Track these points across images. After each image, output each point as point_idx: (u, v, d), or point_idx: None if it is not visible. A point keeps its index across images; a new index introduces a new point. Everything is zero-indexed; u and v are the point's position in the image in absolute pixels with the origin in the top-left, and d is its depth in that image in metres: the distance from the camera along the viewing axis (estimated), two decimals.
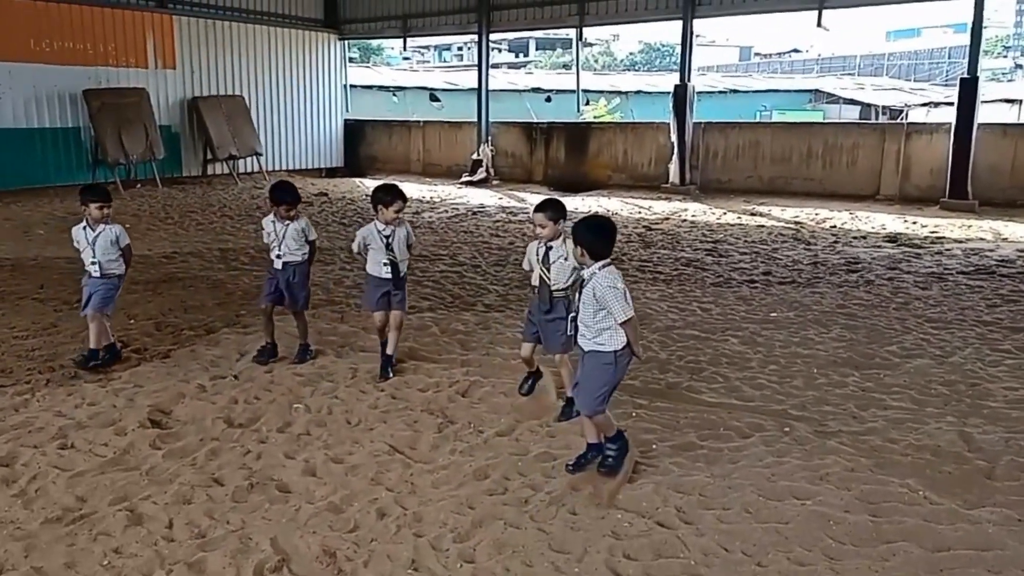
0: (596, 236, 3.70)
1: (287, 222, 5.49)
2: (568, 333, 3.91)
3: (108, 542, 3.28)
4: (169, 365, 5.56)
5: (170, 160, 17.85)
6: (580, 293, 3.75)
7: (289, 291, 5.56)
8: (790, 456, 4.12)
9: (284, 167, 20.70)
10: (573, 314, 3.83)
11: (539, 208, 4.44)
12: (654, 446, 4.25)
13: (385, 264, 5.22)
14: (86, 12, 16.37)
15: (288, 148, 20.92)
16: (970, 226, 12.15)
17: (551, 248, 4.38)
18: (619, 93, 33.55)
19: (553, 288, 4.40)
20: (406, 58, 56.68)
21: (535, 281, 4.50)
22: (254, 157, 19.12)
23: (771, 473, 3.92)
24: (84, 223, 5.46)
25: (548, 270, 4.39)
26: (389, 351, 5.35)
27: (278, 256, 5.50)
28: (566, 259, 4.34)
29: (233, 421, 4.57)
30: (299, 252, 5.54)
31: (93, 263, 5.38)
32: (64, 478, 3.83)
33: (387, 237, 5.20)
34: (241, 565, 3.12)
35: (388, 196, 5.18)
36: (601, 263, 3.67)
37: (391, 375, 5.29)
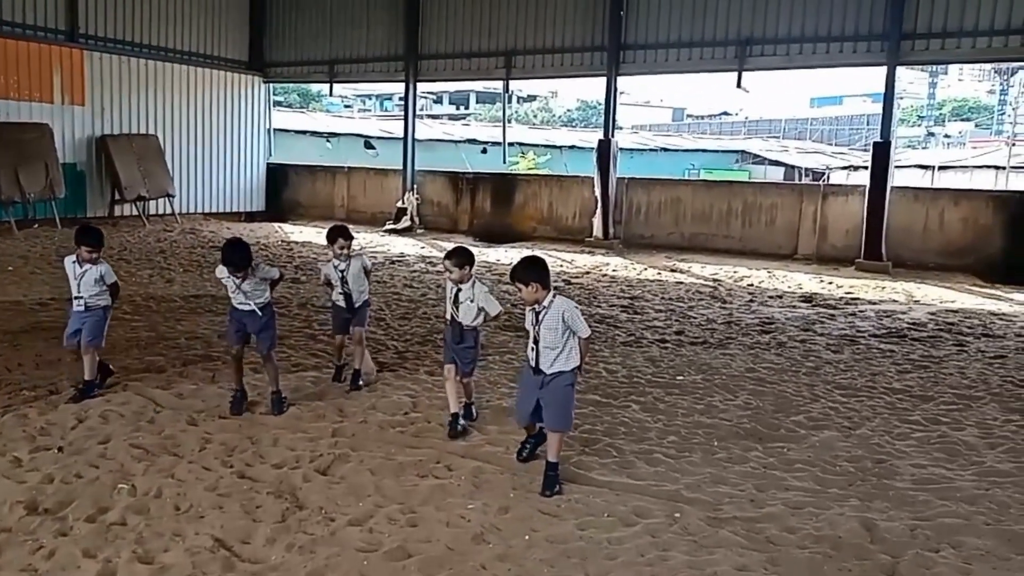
0: (541, 271, 4.26)
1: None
2: (529, 360, 4.33)
3: None
4: None
5: (74, 199, 16.86)
6: (540, 323, 4.18)
7: (257, 333, 5.40)
8: (676, 549, 3.66)
9: (200, 210, 19.84)
10: (534, 342, 4.24)
11: (447, 256, 5.00)
12: (527, 537, 3.74)
13: (340, 294, 5.92)
14: None
15: (205, 191, 20.07)
16: (884, 287, 12.19)
17: (460, 290, 4.96)
18: (553, 147, 33.83)
19: (463, 324, 4.99)
20: (347, 106, 56.08)
21: (448, 316, 5.04)
22: (166, 199, 18.24)
23: (652, 572, 3.44)
24: (75, 257, 5.64)
25: (457, 309, 4.97)
26: (357, 366, 6.01)
27: (239, 303, 5.32)
28: (472, 301, 4.94)
29: (38, 506, 3.87)
30: (260, 298, 5.32)
31: (78, 297, 5.61)
32: None
33: (342, 272, 5.88)
34: None
35: (331, 235, 5.91)
36: (552, 292, 4.23)
37: (361, 386, 5.97)
